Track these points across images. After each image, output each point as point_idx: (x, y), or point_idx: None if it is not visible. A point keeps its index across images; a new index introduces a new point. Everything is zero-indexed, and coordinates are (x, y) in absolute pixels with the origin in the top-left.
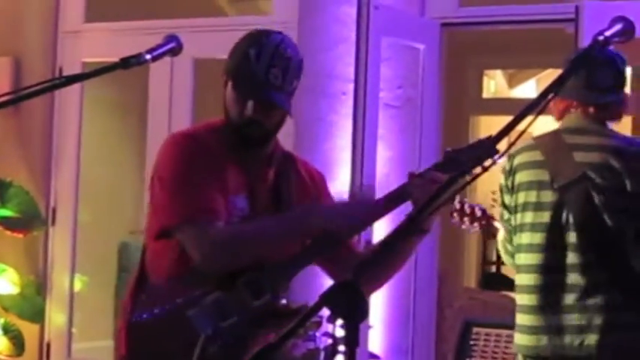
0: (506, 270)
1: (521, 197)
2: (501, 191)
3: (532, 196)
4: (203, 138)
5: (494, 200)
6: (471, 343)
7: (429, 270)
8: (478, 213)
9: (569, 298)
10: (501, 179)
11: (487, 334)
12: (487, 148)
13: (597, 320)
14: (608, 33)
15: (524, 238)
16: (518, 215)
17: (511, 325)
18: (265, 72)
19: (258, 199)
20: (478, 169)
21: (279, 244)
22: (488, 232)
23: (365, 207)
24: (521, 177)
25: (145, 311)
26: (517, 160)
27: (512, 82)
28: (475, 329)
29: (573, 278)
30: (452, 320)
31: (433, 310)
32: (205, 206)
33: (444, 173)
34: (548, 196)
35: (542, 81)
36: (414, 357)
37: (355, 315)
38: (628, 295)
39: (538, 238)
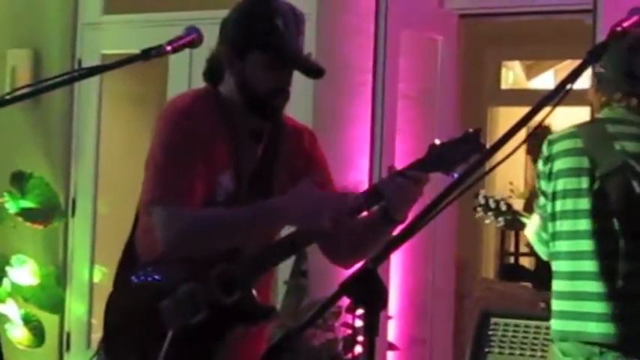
0: (525, 261)
1: (561, 184)
2: (538, 177)
3: (572, 184)
4: (198, 114)
5: (512, 191)
6: (489, 333)
7: (447, 261)
8: (503, 207)
9: (607, 286)
10: (539, 165)
11: (506, 324)
12: (473, 143)
13: (633, 309)
14: (625, 24)
15: (565, 225)
16: (558, 202)
17: (529, 316)
18: (296, 40)
19: (244, 176)
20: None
21: (242, 237)
22: (513, 226)
23: (336, 198)
24: (560, 164)
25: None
26: (556, 148)
27: (530, 73)
28: (493, 319)
29: (612, 266)
30: (470, 311)
31: (451, 301)
32: (181, 192)
33: (428, 170)
34: (589, 183)
35: (560, 72)
36: (432, 347)
37: (375, 303)
38: None
39: (579, 225)
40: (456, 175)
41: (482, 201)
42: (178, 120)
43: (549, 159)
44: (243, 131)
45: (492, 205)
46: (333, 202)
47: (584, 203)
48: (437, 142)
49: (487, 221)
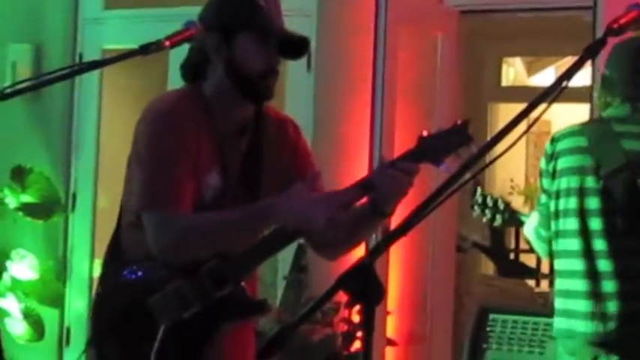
0: (524, 257)
1: (564, 183)
2: (541, 175)
3: (575, 182)
4: (180, 115)
5: (513, 188)
6: (488, 329)
7: (446, 257)
8: (501, 206)
9: (612, 285)
10: (541, 163)
11: (504, 321)
12: (462, 134)
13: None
14: (622, 20)
15: (569, 224)
16: (562, 201)
17: (527, 312)
18: (279, 18)
19: (231, 173)
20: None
21: (237, 241)
22: (511, 224)
23: (330, 198)
24: (563, 162)
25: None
26: (560, 145)
27: (531, 70)
28: (492, 316)
29: (617, 265)
30: (469, 307)
31: (451, 297)
32: (171, 197)
33: (418, 161)
34: (592, 182)
35: (561, 68)
36: (431, 343)
37: (371, 297)
38: None
39: (584, 224)
40: (443, 166)
41: (479, 199)
42: (162, 122)
43: (553, 157)
44: (227, 127)
45: (490, 203)
46: (327, 203)
47: (589, 203)
48: (425, 133)
49: (484, 219)
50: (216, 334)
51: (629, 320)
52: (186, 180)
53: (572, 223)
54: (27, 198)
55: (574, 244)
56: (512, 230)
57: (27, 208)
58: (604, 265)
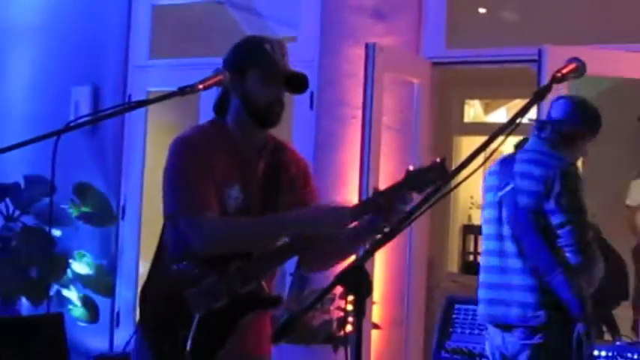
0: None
1: (484, 198)
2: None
3: (488, 197)
4: (197, 141)
5: (472, 203)
6: (453, 316)
7: (420, 257)
8: None
9: (498, 278)
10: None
11: (466, 310)
12: (440, 169)
13: (514, 297)
14: (564, 70)
15: (484, 229)
16: (483, 212)
17: None
18: (283, 59)
19: (250, 189)
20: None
21: (261, 242)
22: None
23: (336, 215)
24: (485, 182)
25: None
26: (488, 172)
27: (487, 110)
28: (457, 305)
29: (503, 262)
30: (438, 298)
31: (423, 290)
32: (199, 200)
33: (406, 190)
34: (494, 197)
35: (511, 109)
36: (408, 327)
37: (362, 291)
38: (536, 279)
39: (487, 229)
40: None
41: None
42: (182, 147)
43: (484, 180)
44: (246, 149)
45: None
46: (340, 213)
47: (491, 213)
48: (410, 168)
49: None
50: (240, 322)
51: (502, 305)
52: (208, 188)
53: (484, 229)
54: (86, 209)
55: (483, 245)
56: (472, 236)
57: (86, 217)
58: (492, 261)
